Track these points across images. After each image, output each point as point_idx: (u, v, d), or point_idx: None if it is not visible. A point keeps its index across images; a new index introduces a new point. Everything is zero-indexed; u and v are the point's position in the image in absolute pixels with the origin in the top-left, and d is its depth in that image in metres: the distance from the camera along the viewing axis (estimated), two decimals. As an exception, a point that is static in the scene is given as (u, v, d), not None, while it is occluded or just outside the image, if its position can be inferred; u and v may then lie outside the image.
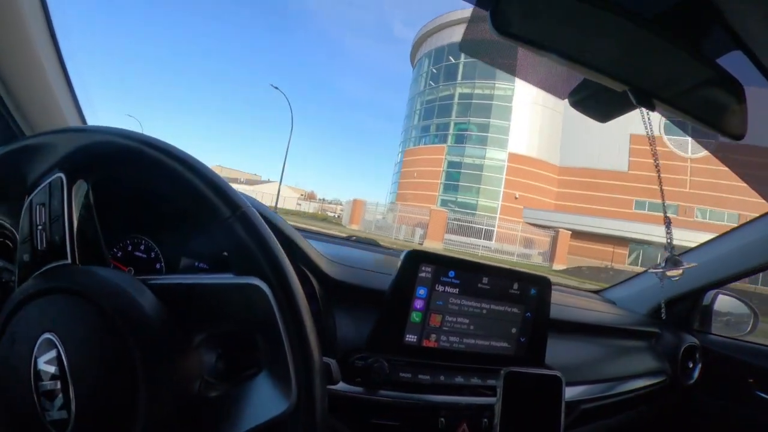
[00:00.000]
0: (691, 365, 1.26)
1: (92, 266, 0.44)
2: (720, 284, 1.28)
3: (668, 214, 0.54)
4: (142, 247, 0.73)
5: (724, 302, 1.39)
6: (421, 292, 0.78)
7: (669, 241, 0.53)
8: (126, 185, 0.61)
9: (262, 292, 0.40)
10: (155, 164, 0.43)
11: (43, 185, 0.45)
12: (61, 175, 0.44)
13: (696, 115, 0.68)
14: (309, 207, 41.73)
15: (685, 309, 1.34)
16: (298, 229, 1.12)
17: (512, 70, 0.74)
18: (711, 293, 1.35)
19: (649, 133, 0.62)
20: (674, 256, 0.52)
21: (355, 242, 1.23)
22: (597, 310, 1.23)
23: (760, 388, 1.18)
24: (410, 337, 0.78)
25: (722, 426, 1.23)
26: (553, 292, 1.15)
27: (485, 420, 0.79)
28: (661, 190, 0.56)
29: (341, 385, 0.74)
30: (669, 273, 0.56)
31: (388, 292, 0.77)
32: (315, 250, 0.82)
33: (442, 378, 0.79)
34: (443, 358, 0.80)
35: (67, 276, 0.42)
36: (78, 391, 0.37)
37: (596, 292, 1.48)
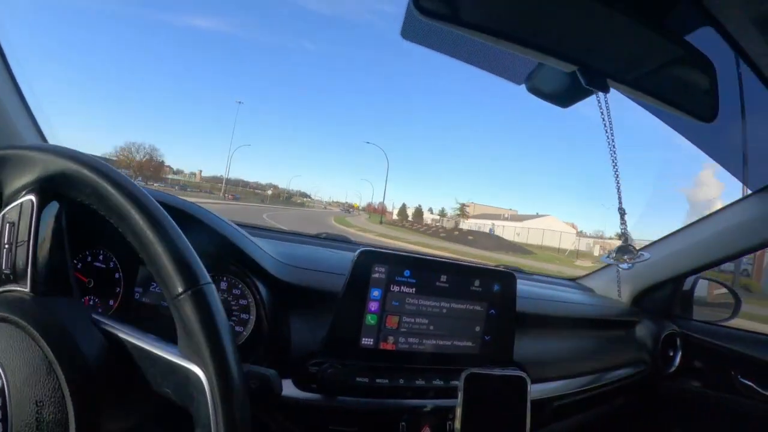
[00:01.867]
0: (671, 353, 1.24)
1: (49, 298, 0.42)
2: (701, 269, 1.25)
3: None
4: (101, 258, 0.70)
5: (705, 287, 1.36)
6: (376, 293, 0.74)
7: (623, 230, 0.49)
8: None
9: (200, 383, 0.37)
10: (124, 210, 0.40)
11: (14, 204, 0.43)
12: (33, 197, 0.42)
13: (662, 97, 0.63)
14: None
15: (666, 295, 1.31)
16: (254, 228, 1.07)
17: (462, 57, 0.69)
18: (691, 279, 1.31)
19: (605, 118, 0.58)
20: (628, 245, 0.48)
21: (324, 239, 1.18)
22: (573, 302, 1.20)
23: (742, 373, 1.15)
24: (366, 341, 0.74)
25: (704, 413, 1.20)
26: (526, 284, 1.12)
27: (449, 422, 0.76)
28: (617, 181, 0.52)
29: (296, 392, 0.71)
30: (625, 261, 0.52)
31: (341, 295, 0.73)
32: (264, 252, 0.78)
33: (401, 381, 0.76)
34: (403, 361, 0.77)
35: (20, 306, 0.40)
36: (16, 427, 0.36)
37: (574, 279, 1.45)
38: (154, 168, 53.98)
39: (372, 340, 0.75)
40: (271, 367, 0.71)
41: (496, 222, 44.39)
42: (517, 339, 0.86)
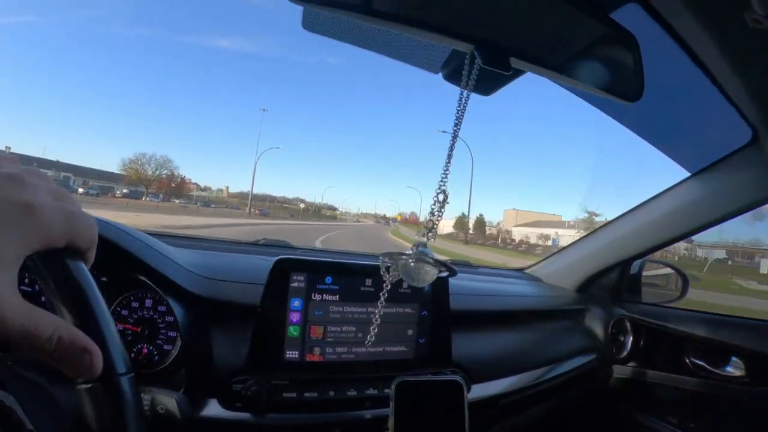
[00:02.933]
0: (622, 338, 1.24)
1: None
2: (647, 253, 1.25)
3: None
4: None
5: (652, 269, 1.37)
6: (296, 303, 0.70)
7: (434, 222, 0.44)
8: None
9: None
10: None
11: None
12: None
13: (582, 77, 0.60)
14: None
15: (614, 281, 1.31)
16: (185, 238, 1.01)
17: (369, 47, 0.65)
18: (638, 262, 1.31)
19: (459, 113, 0.54)
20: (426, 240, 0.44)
21: (262, 246, 1.12)
22: (518, 294, 1.18)
23: (693, 353, 1.16)
24: (291, 354, 0.70)
25: (658, 395, 1.21)
26: (466, 279, 1.10)
27: None
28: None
29: (222, 412, 0.67)
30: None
31: (259, 307, 0.68)
32: (178, 266, 0.72)
33: (331, 393, 0.72)
34: (333, 372, 0.73)
35: None
36: None
37: (521, 270, 1.43)
38: (177, 185, 51.80)
39: (297, 352, 0.70)
40: (195, 386, 0.66)
41: (559, 231, 39.11)
42: (459, 338, 0.84)
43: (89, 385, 0.29)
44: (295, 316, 0.69)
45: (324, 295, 0.71)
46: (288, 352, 0.70)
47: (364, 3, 0.46)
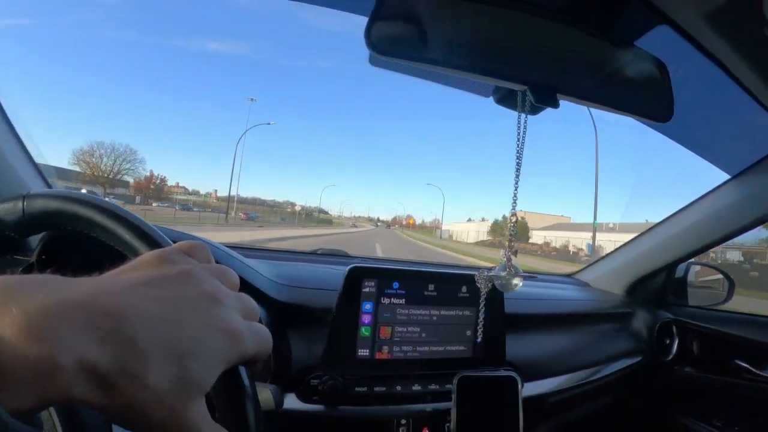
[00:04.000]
0: (668, 341, 1.26)
1: None
2: (691, 256, 1.27)
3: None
4: None
5: (698, 273, 1.38)
6: (367, 306, 0.78)
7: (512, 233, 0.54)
8: None
9: None
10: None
11: None
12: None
13: (616, 104, 0.66)
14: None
15: (659, 284, 1.33)
16: (252, 249, 1.12)
17: (430, 77, 0.74)
18: (684, 265, 1.33)
19: (520, 137, 0.62)
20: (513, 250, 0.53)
21: (321, 255, 1.22)
22: (567, 298, 1.23)
23: (738, 356, 1.17)
24: (362, 352, 0.78)
25: (704, 398, 1.22)
26: (523, 284, 1.16)
27: (448, 425, 0.80)
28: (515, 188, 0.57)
29: (300, 404, 0.75)
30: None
31: (334, 310, 0.77)
32: (260, 275, 0.82)
33: (398, 388, 0.80)
34: (399, 368, 0.81)
35: None
36: None
37: (570, 275, 1.48)
38: (156, 186, 46.42)
39: (367, 351, 0.78)
40: (273, 382, 0.75)
41: (581, 234, 35.95)
42: (511, 339, 0.90)
43: None
44: (366, 318, 0.78)
45: (392, 299, 0.79)
46: (360, 351, 0.78)
47: (434, 57, 0.55)
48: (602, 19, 0.66)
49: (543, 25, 0.60)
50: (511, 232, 0.57)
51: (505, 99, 0.73)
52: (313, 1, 0.83)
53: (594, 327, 1.19)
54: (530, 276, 1.31)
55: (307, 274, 0.93)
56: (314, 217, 69.63)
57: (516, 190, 0.63)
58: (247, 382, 0.31)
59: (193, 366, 0.23)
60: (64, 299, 0.20)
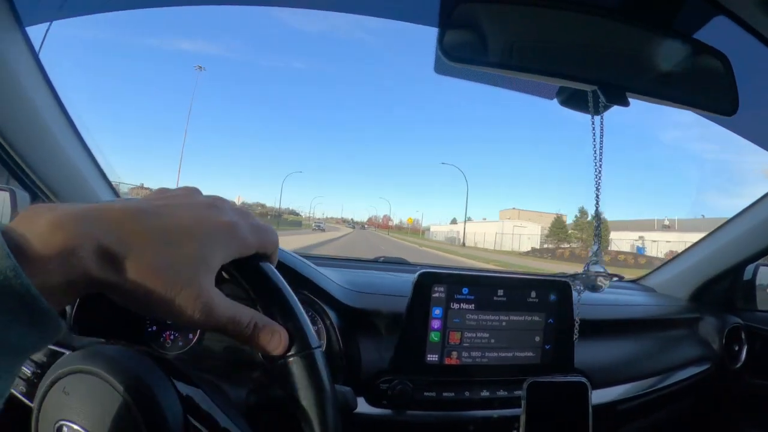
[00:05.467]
0: (737, 347, 1.21)
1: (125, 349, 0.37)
2: (758, 256, 1.21)
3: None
4: None
5: (767, 274, 1.31)
6: (437, 311, 0.78)
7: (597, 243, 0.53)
8: None
9: None
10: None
11: None
12: None
13: (681, 99, 0.64)
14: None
15: (726, 287, 1.27)
16: (320, 258, 1.14)
17: (493, 83, 0.73)
18: (751, 267, 1.27)
19: (596, 137, 0.61)
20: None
21: (383, 263, 1.24)
22: (633, 303, 1.19)
23: None
24: (431, 357, 0.79)
25: None
26: (585, 290, 1.13)
27: (515, 431, 0.79)
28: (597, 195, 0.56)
29: (369, 408, 0.76)
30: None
31: (405, 316, 0.78)
32: (331, 282, 0.84)
33: (467, 394, 0.79)
34: (468, 374, 0.81)
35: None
36: None
37: (635, 281, 1.44)
38: None
39: (437, 356, 0.79)
40: (347, 386, 0.77)
41: (645, 234, 33.10)
42: (579, 346, 0.88)
43: (292, 358, 0.33)
44: (435, 323, 0.78)
45: (461, 305, 0.79)
46: (429, 356, 0.78)
47: (503, 61, 0.55)
48: (659, 14, 0.65)
49: (604, 25, 0.60)
50: (596, 233, 0.57)
51: (570, 100, 0.72)
52: (375, 14, 0.85)
53: (661, 333, 1.15)
54: (619, 278, 1.28)
55: (375, 281, 0.95)
56: (284, 219, 66.06)
57: (598, 190, 0.61)
58: (327, 381, 0.34)
59: (191, 246, 0.28)
60: (84, 206, 0.26)
